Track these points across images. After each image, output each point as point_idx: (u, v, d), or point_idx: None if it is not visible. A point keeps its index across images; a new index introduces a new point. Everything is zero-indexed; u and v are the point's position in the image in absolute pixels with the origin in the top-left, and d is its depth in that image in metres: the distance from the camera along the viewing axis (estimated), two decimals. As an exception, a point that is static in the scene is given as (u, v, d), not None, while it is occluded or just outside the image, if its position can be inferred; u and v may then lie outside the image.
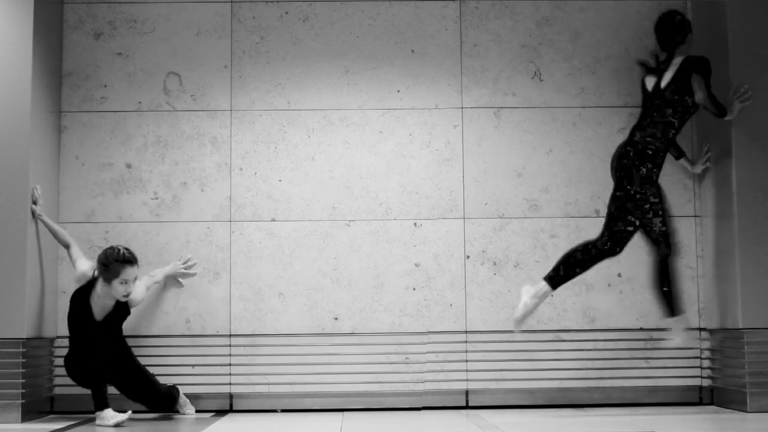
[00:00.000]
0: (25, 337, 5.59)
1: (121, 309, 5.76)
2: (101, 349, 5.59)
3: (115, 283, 5.58)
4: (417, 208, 6.27)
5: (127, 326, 6.05)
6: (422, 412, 5.99)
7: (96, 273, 5.67)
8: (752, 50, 5.87)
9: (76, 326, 5.67)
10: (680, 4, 6.39)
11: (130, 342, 5.96)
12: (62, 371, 5.98)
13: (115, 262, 5.57)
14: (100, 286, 5.64)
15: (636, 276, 6.13)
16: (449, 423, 5.41)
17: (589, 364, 6.11)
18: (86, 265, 5.74)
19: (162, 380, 5.96)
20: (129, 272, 5.59)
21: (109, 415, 5.42)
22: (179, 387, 5.97)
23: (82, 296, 5.66)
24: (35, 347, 5.76)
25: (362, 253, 6.23)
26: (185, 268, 6.14)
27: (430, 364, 6.14)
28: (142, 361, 5.93)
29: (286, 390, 6.10)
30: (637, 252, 6.13)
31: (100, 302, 5.66)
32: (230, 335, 6.13)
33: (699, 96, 5.69)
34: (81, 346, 5.62)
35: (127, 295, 5.64)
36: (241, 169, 6.26)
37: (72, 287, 5.88)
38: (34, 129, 5.77)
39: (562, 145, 6.33)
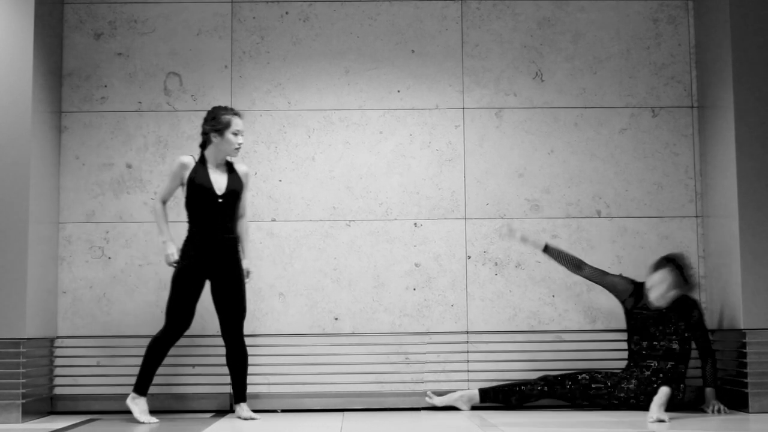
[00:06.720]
0: (25, 337, 5.59)
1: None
2: None
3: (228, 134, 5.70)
4: (417, 208, 6.26)
5: (129, 326, 6.06)
6: (423, 412, 5.99)
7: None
8: (754, 50, 5.85)
9: None
10: (681, 4, 6.39)
11: (130, 342, 5.96)
12: (62, 371, 5.98)
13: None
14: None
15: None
16: (450, 423, 5.40)
17: (590, 364, 6.10)
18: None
19: (162, 380, 5.96)
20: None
21: None
22: (182, 387, 5.97)
23: None
24: (36, 347, 5.75)
25: (362, 253, 6.22)
26: None
27: (431, 365, 6.14)
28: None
29: (286, 390, 6.10)
30: (638, 252, 6.12)
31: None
32: (231, 335, 6.12)
33: None
34: None
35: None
36: (242, 169, 6.25)
37: (72, 287, 5.86)
38: (34, 129, 5.77)
39: (564, 146, 6.32)
